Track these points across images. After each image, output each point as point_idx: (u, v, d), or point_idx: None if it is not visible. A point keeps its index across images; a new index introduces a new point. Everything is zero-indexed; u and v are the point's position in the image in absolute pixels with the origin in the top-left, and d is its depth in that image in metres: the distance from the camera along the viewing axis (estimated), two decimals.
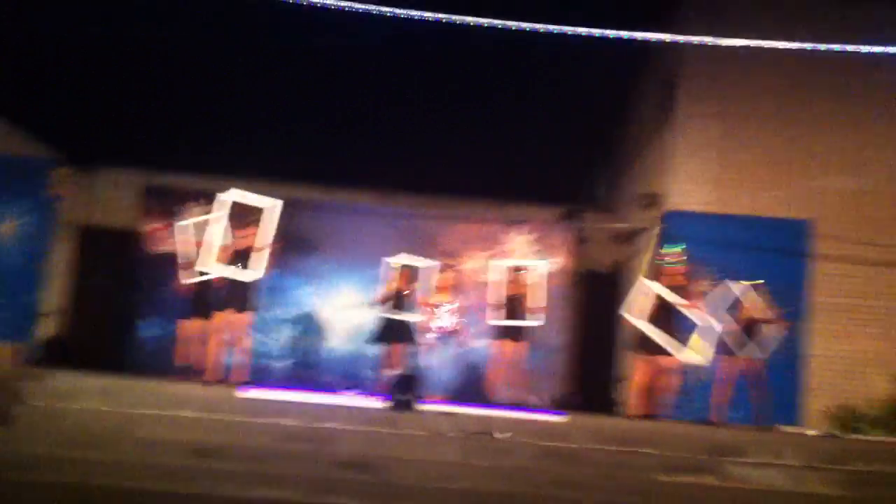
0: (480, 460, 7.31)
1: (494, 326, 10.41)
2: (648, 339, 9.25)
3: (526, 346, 10.42)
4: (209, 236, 9.35)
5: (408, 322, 10.16)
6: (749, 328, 9.56)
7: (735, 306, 9.77)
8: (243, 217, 9.83)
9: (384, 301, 10.13)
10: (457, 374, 10.77)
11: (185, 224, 10.49)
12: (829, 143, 11.63)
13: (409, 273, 10.32)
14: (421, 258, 10.65)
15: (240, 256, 9.36)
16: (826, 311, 10.95)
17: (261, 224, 9.53)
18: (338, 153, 17.32)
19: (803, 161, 11.61)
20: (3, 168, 11.39)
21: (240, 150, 16.07)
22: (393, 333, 10.15)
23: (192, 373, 9.77)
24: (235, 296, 9.29)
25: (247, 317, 9.37)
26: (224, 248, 9.36)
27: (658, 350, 9.25)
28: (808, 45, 10.27)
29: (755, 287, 9.57)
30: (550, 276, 12.07)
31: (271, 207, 9.56)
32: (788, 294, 9.69)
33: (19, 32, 14.21)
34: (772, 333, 9.49)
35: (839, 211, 11.45)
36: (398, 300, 10.19)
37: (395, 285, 10.25)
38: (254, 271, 9.27)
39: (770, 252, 10.12)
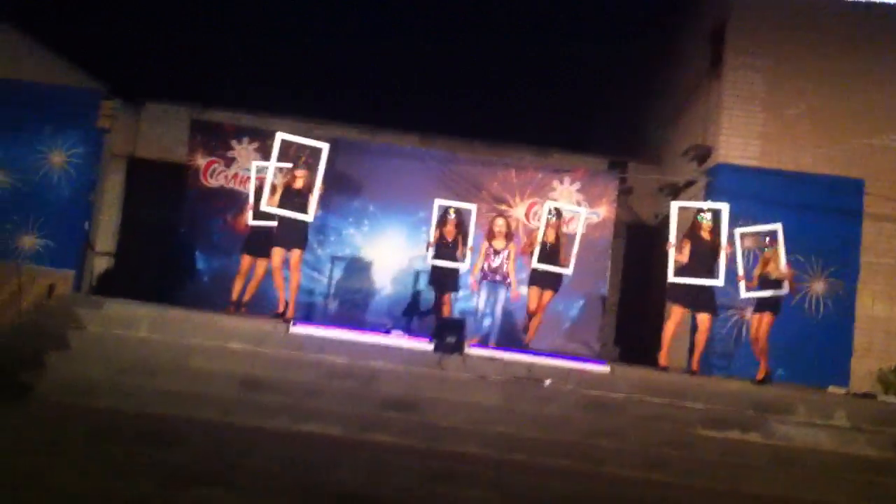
0: (523, 406, 7.36)
1: (532, 272, 10.38)
2: (683, 290, 9.29)
3: (552, 295, 10.36)
4: (269, 177, 9.46)
5: (456, 268, 10.19)
6: (764, 283, 9.53)
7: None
8: (295, 157, 9.88)
9: (435, 245, 10.12)
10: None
11: (256, 165, 10.62)
12: (880, 100, 11.39)
13: (459, 218, 10.28)
14: (470, 204, 10.61)
15: (293, 196, 9.45)
16: (875, 272, 10.81)
17: (313, 165, 9.62)
18: (383, 95, 17.33)
19: (853, 119, 11.40)
20: (52, 98, 11.42)
21: (285, 89, 16.11)
22: (442, 279, 10.18)
23: (243, 306, 9.95)
24: (288, 233, 9.41)
25: (298, 254, 9.50)
26: (278, 188, 9.47)
27: (693, 304, 9.27)
28: None
29: (771, 241, 9.53)
30: (594, 226, 12.08)
31: (322, 149, 9.62)
32: (839, 254, 9.62)
33: None
34: (784, 291, 9.44)
35: (889, 170, 11.27)
36: (448, 245, 10.18)
37: (445, 230, 10.21)
38: (307, 213, 9.37)
39: (821, 210, 9.98)
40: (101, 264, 12.61)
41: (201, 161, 12.13)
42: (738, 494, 6.39)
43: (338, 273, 12.08)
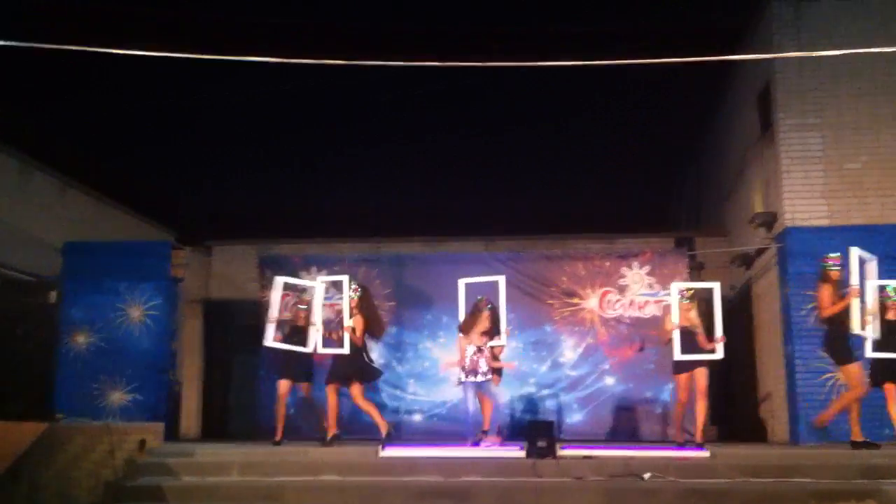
0: None
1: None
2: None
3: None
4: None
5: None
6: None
7: None
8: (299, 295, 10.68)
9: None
10: (591, 413, 10.62)
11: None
12: None
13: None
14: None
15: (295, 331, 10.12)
16: None
17: (310, 302, 10.12)
18: (444, 205, 17.56)
19: None
20: (125, 255, 11.80)
21: (347, 213, 16.44)
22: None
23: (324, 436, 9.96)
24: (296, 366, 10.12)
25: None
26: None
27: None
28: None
29: None
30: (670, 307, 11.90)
31: (318, 287, 10.08)
32: None
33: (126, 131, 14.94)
34: None
35: None
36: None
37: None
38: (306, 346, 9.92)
39: None
40: (191, 411, 12.81)
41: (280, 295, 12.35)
42: None
43: (420, 388, 12.07)
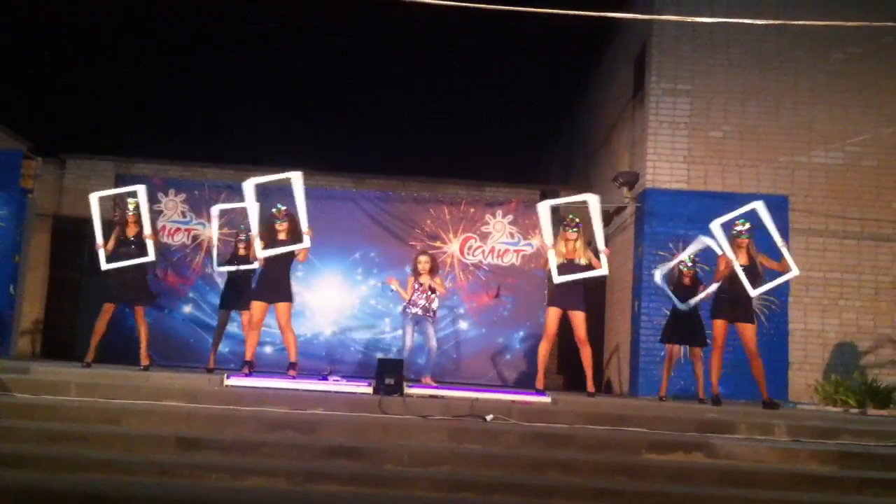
0: (469, 444, 7.27)
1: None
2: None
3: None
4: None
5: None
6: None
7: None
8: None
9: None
10: (442, 356, 10.72)
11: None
12: (804, 117, 11.68)
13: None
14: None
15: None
16: (806, 286, 11.04)
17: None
18: (309, 138, 17.29)
19: (778, 136, 11.66)
20: None
21: (213, 137, 15.97)
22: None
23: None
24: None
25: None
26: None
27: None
28: (776, 21, 10.35)
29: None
30: (529, 257, 12.11)
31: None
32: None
33: None
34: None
35: (813, 186, 11.52)
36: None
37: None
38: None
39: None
40: (29, 328, 12.28)
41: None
42: None
43: (273, 321, 11.88)
